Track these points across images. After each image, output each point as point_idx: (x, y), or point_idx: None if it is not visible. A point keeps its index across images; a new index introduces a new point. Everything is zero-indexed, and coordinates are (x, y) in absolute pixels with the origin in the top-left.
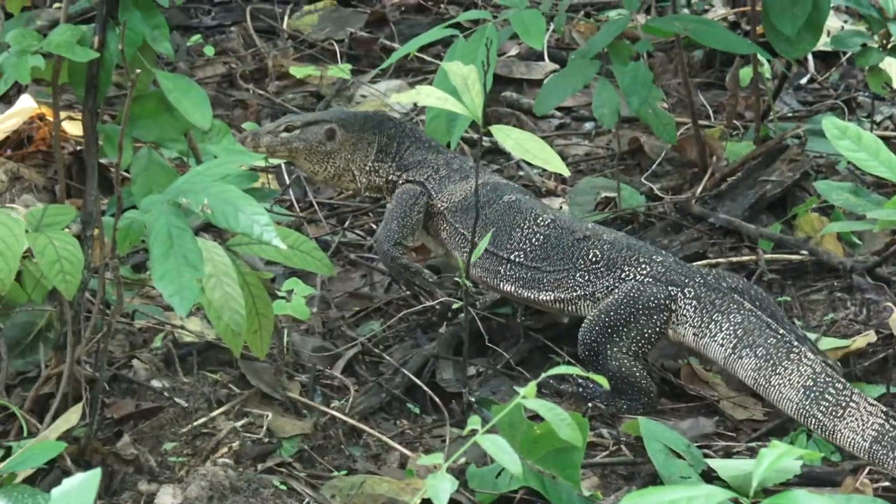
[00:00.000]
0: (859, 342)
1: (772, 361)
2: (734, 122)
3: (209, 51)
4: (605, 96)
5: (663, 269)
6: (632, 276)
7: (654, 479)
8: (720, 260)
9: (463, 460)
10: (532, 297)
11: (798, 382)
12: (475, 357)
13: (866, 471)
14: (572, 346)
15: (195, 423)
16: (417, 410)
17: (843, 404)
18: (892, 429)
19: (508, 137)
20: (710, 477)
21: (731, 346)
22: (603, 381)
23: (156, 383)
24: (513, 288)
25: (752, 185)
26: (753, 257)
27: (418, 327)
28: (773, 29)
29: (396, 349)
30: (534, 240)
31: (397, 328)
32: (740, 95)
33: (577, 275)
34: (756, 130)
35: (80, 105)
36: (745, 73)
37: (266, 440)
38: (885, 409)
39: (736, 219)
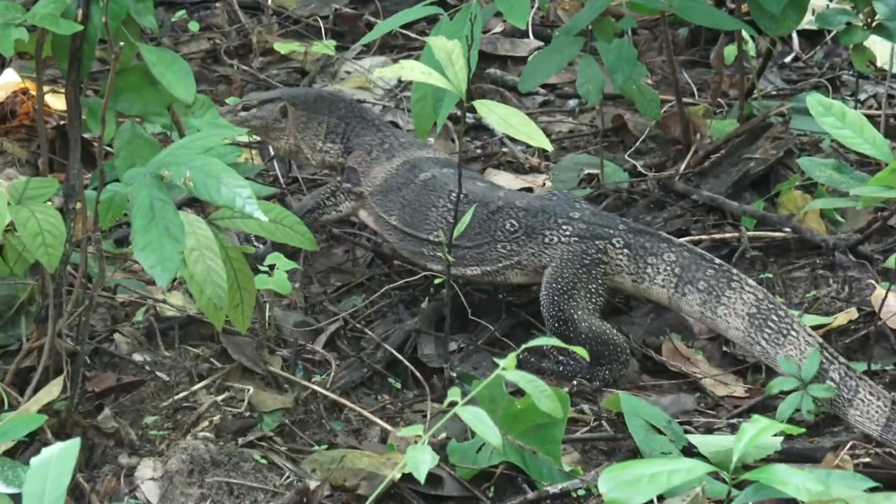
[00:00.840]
0: (841, 319)
1: (715, 293)
2: (718, 99)
3: (193, 26)
4: (589, 73)
5: (584, 226)
6: (556, 239)
7: (635, 455)
8: (703, 237)
9: (444, 435)
10: (459, 273)
11: (743, 311)
12: (457, 332)
13: (847, 447)
14: None
15: (176, 397)
16: (399, 385)
17: (784, 332)
18: (824, 360)
19: (492, 112)
20: (690, 453)
21: (673, 285)
22: (583, 353)
23: (137, 357)
24: (439, 267)
25: (735, 162)
26: (736, 234)
27: (400, 302)
28: (758, 6)
29: (378, 324)
30: (449, 217)
31: (379, 303)
32: (725, 73)
33: (499, 246)
34: (740, 108)
35: (64, 79)
36: (730, 51)
37: (247, 414)
38: (821, 339)
39: (719, 196)
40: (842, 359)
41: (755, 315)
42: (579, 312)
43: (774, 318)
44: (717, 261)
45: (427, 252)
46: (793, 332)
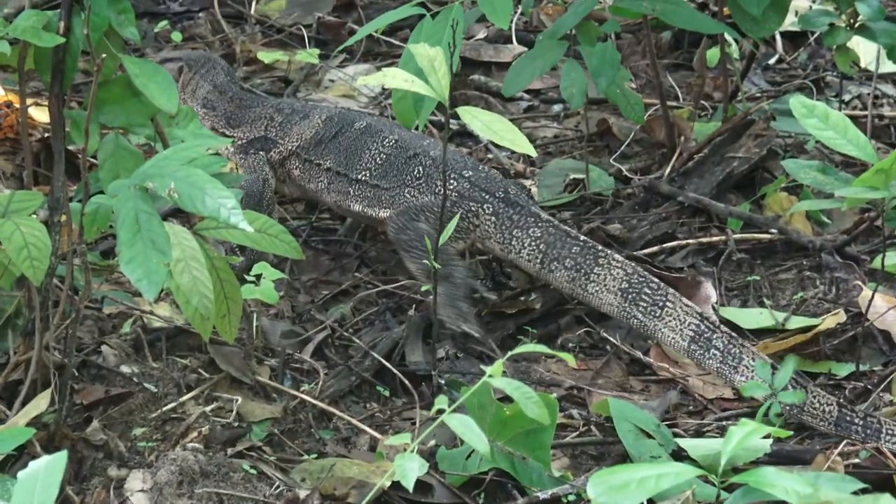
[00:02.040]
0: (829, 321)
1: (583, 271)
2: (703, 102)
3: (176, 37)
4: (572, 77)
5: (468, 185)
6: (441, 191)
7: (625, 459)
8: (689, 241)
9: (433, 443)
10: (374, 215)
11: (614, 286)
12: (444, 340)
13: (839, 448)
14: (543, 330)
15: (165, 408)
16: (387, 393)
17: (661, 304)
18: (706, 329)
19: (476, 119)
20: (680, 456)
21: (539, 260)
22: (570, 359)
23: (125, 369)
24: (360, 207)
25: (718, 161)
26: (723, 237)
27: (387, 310)
28: (739, 9)
29: (366, 332)
30: (378, 159)
31: (366, 311)
32: (709, 76)
33: (406, 191)
34: (724, 110)
35: (47, 91)
36: (714, 54)
37: (236, 424)
38: (698, 309)
39: (705, 197)
40: (723, 328)
41: (627, 290)
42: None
43: (647, 290)
44: (583, 238)
45: (353, 191)
46: (669, 303)
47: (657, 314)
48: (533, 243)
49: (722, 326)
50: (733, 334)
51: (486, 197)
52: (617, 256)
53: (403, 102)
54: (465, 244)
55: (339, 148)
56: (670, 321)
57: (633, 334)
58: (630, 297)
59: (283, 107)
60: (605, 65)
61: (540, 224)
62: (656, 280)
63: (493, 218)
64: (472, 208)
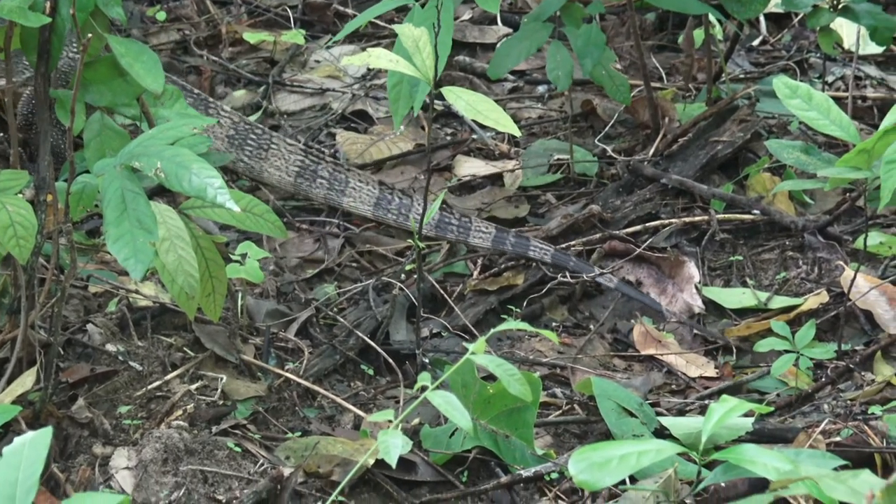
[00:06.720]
0: (811, 301)
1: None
2: (688, 84)
3: (161, 16)
4: (558, 59)
5: None
6: None
7: (607, 438)
8: (672, 220)
9: (417, 421)
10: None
11: (222, 133)
12: (429, 318)
13: (821, 427)
14: (526, 310)
15: (150, 387)
16: (371, 372)
17: (266, 146)
18: (311, 163)
19: (460, 98)
20: (662, 435)
21: None
22: (553, 337)
23: (110, 347)
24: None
25: (703, 145)
26: (706, 217)
27: (372, 289)
28: None
29: (350, 311)
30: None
31: (351, 290)
32: (695, 56)
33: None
34: (708, 92)
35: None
36: (697, 35)
37: (220, 403)
38: (303, 145)
39: (688, 179)
40: (329, 158)
41: (234, 137)
42: None
43: (253, 136)
44: (196, 90)
45: None
46: (273, 145)
47: (262, 156)
48: None
49: (328, 157)
50: (338, 162)
51: None
52: (226, 108)
53: (398, 89)
54: None
55: None
56: (275, 161)
57: (616, 315)
58: (237, 143)
59: None
60: (590, 46)
61: None
62: (260, 126)
63: None
64: None
